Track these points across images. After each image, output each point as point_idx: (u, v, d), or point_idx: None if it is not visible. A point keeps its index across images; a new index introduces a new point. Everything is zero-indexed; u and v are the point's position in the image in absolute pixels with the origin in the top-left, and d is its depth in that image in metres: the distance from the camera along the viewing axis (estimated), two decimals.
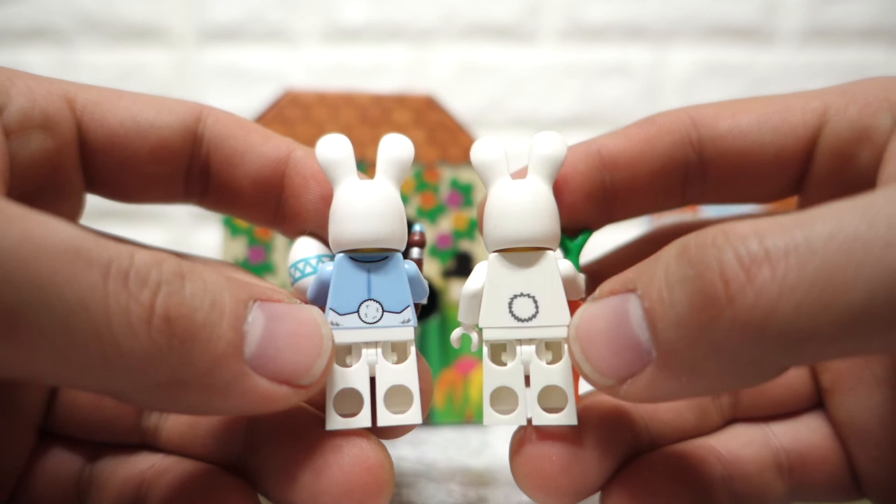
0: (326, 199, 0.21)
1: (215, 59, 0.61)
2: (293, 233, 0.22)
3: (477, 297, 0.20)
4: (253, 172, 0.21)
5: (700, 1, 0.62)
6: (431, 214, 0.34)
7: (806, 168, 0.20)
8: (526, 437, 0.19)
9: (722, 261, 0.14)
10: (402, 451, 0.29)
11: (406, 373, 0.19)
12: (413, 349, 0.19)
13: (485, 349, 0.19)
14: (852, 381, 0.21)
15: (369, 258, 0.19)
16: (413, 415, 0.19)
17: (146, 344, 0.14)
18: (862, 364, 0.21)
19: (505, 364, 0.19)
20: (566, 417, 0.19)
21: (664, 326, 0.15)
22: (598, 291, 0.17)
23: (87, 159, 0.21)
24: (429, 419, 0.34)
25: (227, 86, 0.61)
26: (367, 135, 0.34)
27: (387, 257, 0.19)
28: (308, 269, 0.21)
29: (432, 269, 0.34)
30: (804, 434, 0.22)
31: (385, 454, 0.18)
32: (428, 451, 0.30)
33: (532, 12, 0.62)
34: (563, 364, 0.19)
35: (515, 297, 0.19)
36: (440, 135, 0.34)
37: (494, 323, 0.19)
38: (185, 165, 0.21)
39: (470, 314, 0.20)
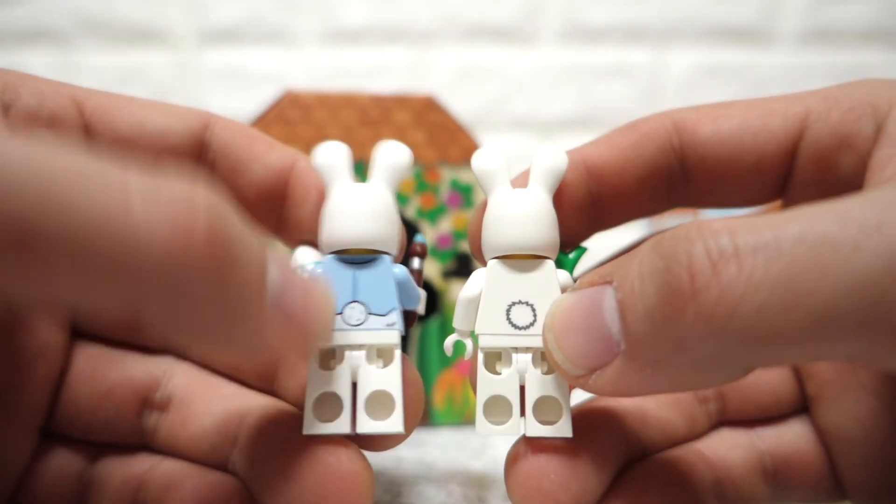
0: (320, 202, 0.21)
1: (216, 60, 0.61)
2: (294, 242, 0.22)
3: (474, 303, 0.19)
4: (257, 181, 0.21)
5: (700, 2, 0.62)
6: (431, 215, 0.35)
7: (787, 173, 0.20)
8: (521, 453, 0.19)
9: (691, 254, 0.14)
10: (402, 452, 0.29)
11: (389, 378, 0.18)
12: (398, 354, 0.19)
13: (480, 356, 0.19)
14: (838, 389, 0.21)
15: (357, 259, 0.19)
16: (394, 422, 0.18)
17: (183, 259, 0.13)
18: (848, 372, 0.21)
19: (499, 373, 0.19)
20: (561, 430, 0.18)
21: (633, 318, 0.15)
22: (577, 283, 0.17)
23: None
24: (429, 420, 0.34)
25: (227, 87, 0.61)
26: (367, 136, 0.35)
27: (375, 259, 0.19)
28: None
29: (432, 269, 0.34)
30: (789, 438, 0.22)
31: (363, 464, 0.18)
32: (428, 451, 0.30)
33: (532, 14, 0.62)
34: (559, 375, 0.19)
35: (513, 304, 0.19)
36: (440, 136, 0.34)
37: (491, 329, 0.19)
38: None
39: (466, 320, 0.20)
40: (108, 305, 0.14)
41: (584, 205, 0.21)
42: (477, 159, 0.20)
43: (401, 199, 0.33)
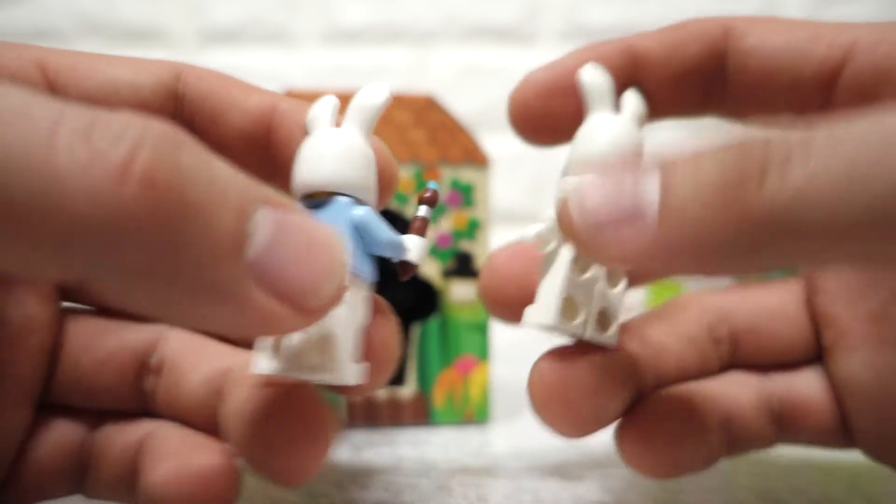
0: None
1: (216, 60, 0.61)
2: (284, 186, 0.21)
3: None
4: (238, 129, 0.20)
5: (700, 3, 0.62)
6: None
7: (826, 100, 0.20)
8: (548, 364, 0.20)
9: (767, 142, 0.14)
10: (402, 451, 0.29)
11: (331, 321, 0.17)
12: (350, 297, 0.17)
13: (569, 255, 0.19)
14: (857, 340, 0.21)
15: (316, 204, 0.18)
16: (333, 369, 0.17)
17: (114, 209, 0.11)
18: (869, 323, 0.21)
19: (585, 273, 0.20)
20: (610, 339, 0.20)
21: (681, 190, 0.15)
22: (609, 162, 0.17)
23: None
24: (429, 419, 0.34)
25: None
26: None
27: (331, 202, 0.18)
28: None
29: (432, 269, 0.34)
30: (799, 385, 0.22)
31: (316, 399, 0.18)
32: (428, 451, 0.30)
33: (532, 14, 0.62)
34: (619, 291, 0.20)
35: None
36: (440, 135, 0.34)
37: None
38: None
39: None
40: (43, 270, 0.12)
41: (624, 91, 0.21)
42: (586, 73, 0.20)
43: (400, 198, 0.33)
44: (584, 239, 0.16)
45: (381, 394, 0.33)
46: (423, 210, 0.20)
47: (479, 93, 0.62)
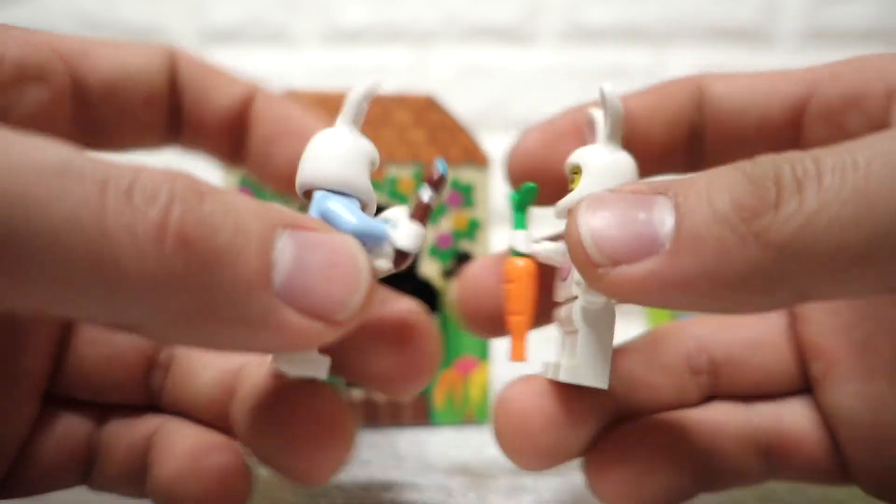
0: (284, 138, 0.22)
1: (216, 60, 0.61)
2: (256, 169, 0.23)
3: None
4: (220, 110, 0.22)
5: (700, 3, 0.62)
6: (432, 215, 0.35)
7: (795, 137, 0.21)
8: (514, 392, 0.20)
9: (779, 171, 0.14)
10: (402, 451, 0.29)
11: None
12: None
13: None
14: (848, 371, 0.21)
15: (305, 202, 0.18)
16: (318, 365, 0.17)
17: (157, 266, 0.13)
18: (859, 354, 0.21)
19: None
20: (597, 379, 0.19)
21: (694, 220, 0.15)
22: (619, 187, 0.17)
23: (83, 110, 0.21)
24: (429, 419, 0.34)
25: None
26: (366, 135, 0.35)
27: (312, 198, 0.18)
28: None
29: (432, 269, 0.34)
30: (787, 417, 0.22)
31: (340, 401, 0.18)
32: (428, 451, 0.30)
33: (532, 14, 0.62)
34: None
35: None
36: (440, 135, 0.34)
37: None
38: (167, 108, 0.22)
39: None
40: (103, 319, 0.13)
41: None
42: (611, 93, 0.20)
43: (401, 198, 0.33)
44: (600, 277, 0.16)
45: (381, 394, 0.33)
46: (426, 194, 0.18)
47: (479, 93, 0.62)
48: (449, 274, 0.34)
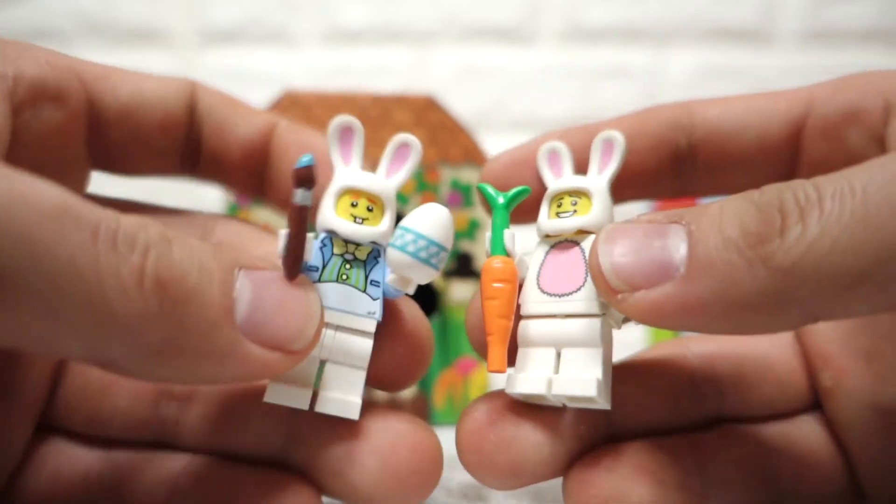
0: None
1: (216, 61, 0.61)
2: (277, 201, 0.23)
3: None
4: (240, 141, 0.22)
5: (699, 3, 0.62)
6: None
7: (794, 155, 0.21)
8: (473, 410, 0.20)
9: (783, 199, 0.15)
10: None
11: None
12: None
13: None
14: (856, 380, 0.20)
15: None
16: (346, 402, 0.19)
17: (138, 307, 0.14)
18: (866, 363, 0.21)
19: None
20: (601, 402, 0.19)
21: (708, 245, 0.15)
22: (636, 218, 0.18)
23: (98, 133, 0.21)
24: (429, 420, 0.34)
25: (228, 87, 0.61)
26: (367, 135, 0.35)
27: None
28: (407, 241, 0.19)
29: None
30: (797, 437, 0.21)
31: (435, 437, 0.19)
32: None
33: (532, 14, 0.62)
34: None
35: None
36: (440, 135, 0.34)
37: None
38: (184, 137, 0.22)
39: None
40: (80, 355, 0.14)
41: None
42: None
43: (401, 198, 0.33)
44: (619, 302, 0.17)
45: (381, 394, 0.33)
46: (297, 195, 0.17)
47: (479, 93, 0.62)
48: (449, 274, 0.34)
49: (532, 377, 0.19)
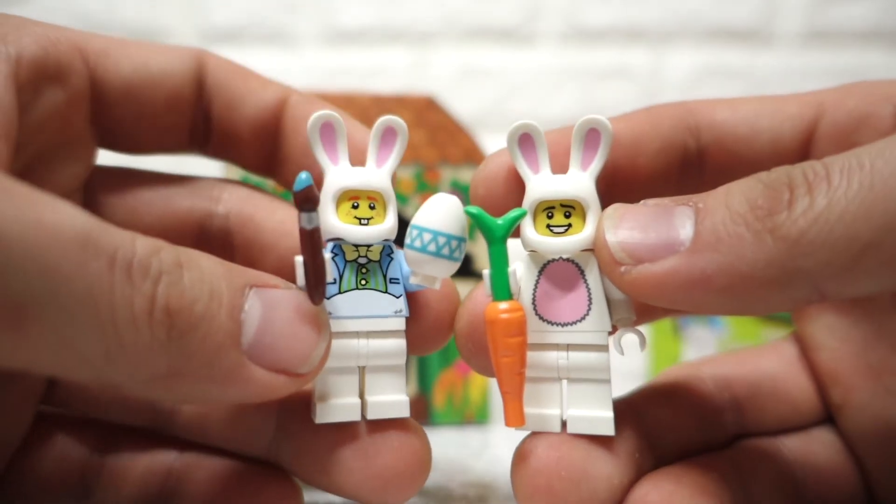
0: None
1: None
2: (287, 177, 0.22)
3: None
4: (252, 116, 0.22)
5: (699, 3, 0.62)
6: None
7: (805, 160, 0.21)
8: (531, 449, 0.19)
9: (791, 174, 0.15)
10: None
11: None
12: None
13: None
14: (866, 394, 0.21)
15: None
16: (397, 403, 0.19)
17: (147, 337, 0.14)
18: (874, 377, 0.21)
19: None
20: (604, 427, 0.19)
21: (713, 220, 0.15)
22: (642, 202, 0.18)
23: (101, 112, 0.20)
24: (429, 420, 0.34)
25: None
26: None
27: None
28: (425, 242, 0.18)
29: None
30: (816, 448, 0.21)
31: (423, 438, 0.20)
32: None
33: (532, 15, 0.62)
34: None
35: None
36: (440, 135, 0.34)
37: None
38: (192, 112, 0.22)
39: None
40: (87, 380, 0.14)
41: (601, 178, 0.21)
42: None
43: (401, 199, 0.33)
44: (622, 275, 0.17)
45: None
46: (303, 219, 0.16)
47: (479, 93, 0.62)
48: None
49: (546, 415, 0.19)
